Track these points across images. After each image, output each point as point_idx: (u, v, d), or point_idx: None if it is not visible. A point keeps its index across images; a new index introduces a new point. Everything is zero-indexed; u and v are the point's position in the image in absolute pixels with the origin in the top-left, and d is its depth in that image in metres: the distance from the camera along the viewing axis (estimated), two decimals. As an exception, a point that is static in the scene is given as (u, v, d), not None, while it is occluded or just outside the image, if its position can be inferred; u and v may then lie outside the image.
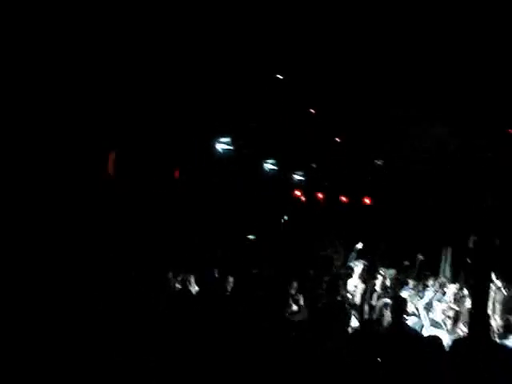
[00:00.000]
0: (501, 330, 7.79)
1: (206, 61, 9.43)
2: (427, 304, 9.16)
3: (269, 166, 13.71)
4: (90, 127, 9.89)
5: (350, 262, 12.15)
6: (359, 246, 12.44)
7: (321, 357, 5.11)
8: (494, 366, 5.86)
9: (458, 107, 8.26)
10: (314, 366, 4.97)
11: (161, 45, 8.97)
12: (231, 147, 11.76)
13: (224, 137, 11.65)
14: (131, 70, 9.29)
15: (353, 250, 12.65)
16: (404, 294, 9.84)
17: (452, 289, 9.52)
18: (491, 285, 11.02)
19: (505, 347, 6.88)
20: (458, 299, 10.23)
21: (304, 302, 8.75)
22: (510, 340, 7.44)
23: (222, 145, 11.76)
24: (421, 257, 14.52)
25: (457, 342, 6.98)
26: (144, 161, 11.93)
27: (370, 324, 8.21)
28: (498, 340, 7.54)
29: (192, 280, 10.04)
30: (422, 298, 9.73)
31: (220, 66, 9.59)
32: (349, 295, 10.13)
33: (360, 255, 12.34)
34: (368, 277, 10.80)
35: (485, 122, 8.37)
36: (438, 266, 14.55)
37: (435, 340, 5.77)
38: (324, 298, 9.81)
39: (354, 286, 10.34)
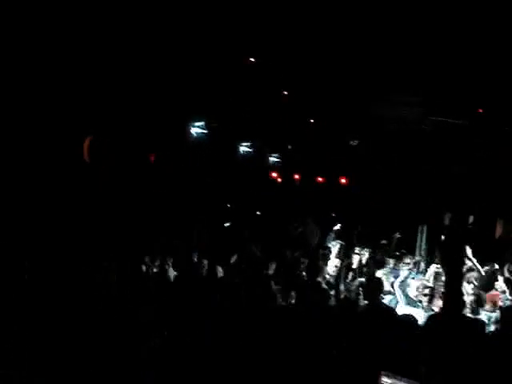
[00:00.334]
0: (473, 306, 7.91)
1: (178, 44, 9.35)
2: (402, 282, 9.27)
3: (244, 148, 13.68)
4: (64, 112, 9.80)
5: (328, 242, 12.24)
6: (337, 227, 12.52)
7: (300, 336, 5.16)
8: (466, 340, 5.97)
9: (431, 88, 8.29)
10: (294, 347, 5.02)
11: (132, 28, 8.88)
12: (205, 131, 11.71)
13: (198, 120, 11.59)
14: (104, 54, 9.20)
15: (331, 231, 12.74)
16: (380, 272, 9.95)
17: (432, 268, 9.59)
18: (467, 262, 11.20)
19: (476, 321, 7.03)
20: (435, 277, 10.36)
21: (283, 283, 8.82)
22: (481, 315, 7.61)
23: (196, 128, 11.69)
24: (397, 235, 14.66)
25: (430, 318, 7.09)
26: (119, 146, 11.85)
27: (347, 304, 8.30)
28: (470, 315, 7.68)
29: (170, 264, 10.08)
30: (397, 277, 9.85)
31: (193, 49, 9.52)
32: (328, 276, 10.21)
33: (337, 236, 12.43)
34: (345, 256, 10.88)
35: (458, 103, 8.43)
36: (414, 244, 14.69)
37: (409, 318, 5.85)
38: (303, 279, 9.92)
39: (335, 266, 10.39)
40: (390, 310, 7.01)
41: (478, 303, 7.88)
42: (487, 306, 8.05)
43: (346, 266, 10.42)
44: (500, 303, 8.27)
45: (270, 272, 10.06)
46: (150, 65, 9.76)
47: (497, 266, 10.47)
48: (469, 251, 10.74)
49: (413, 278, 9.74)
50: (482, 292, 8.49)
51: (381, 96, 9.59)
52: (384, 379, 3.63)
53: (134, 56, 9.44)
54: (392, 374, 3.61)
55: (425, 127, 9.72)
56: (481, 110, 7.78)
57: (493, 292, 8.93)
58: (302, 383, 4.23)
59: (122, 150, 11.85)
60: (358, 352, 4.94)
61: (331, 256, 11.17)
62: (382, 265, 11.30)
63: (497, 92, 7.53)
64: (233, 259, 10.72)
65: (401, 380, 3.60)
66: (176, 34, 9.10)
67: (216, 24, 8.81)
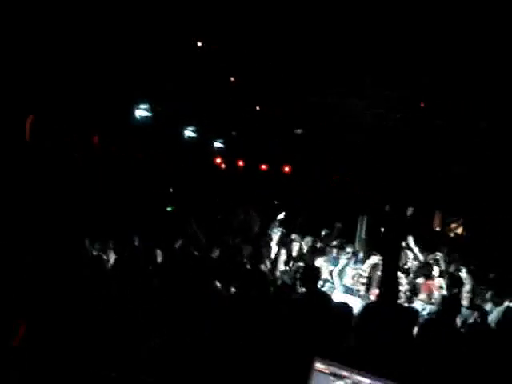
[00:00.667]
0: (408, 294, 8.11)
1: (124, 25, 9.19)
2: (340, 271, 9.42)
3: (189, 133, 13.58)
4: (6, 92, 9.54)
5: (271, 230, 12.29)
6: (282, 215, 12.56)
7: (243, 323, 5.17)
8: (400, 327, 6.11)
9: (374, 80, 8.39)
10: (231, 331, 5.02)
11: (76, 8, 8.68)
12: (150, 114, 11.55)
13: (142, 103, 11.42)
14: (47, 34, 8.97)
15: (274, 219, 12.80)
16: (319, 261, 10.05)
17: (371, 259, 9.74)
18: (408, 252, 11.45)
19: (411, 309, 7.22)
20: (373, 266, 10.55)
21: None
22: (415, 303, 7.82)
23: (140, 111, 11.52)
24: (339, 225, 14.85)
25: (366, 307, 7.23)
26: (62, 126, 11.63)
27: (283, 290, 8.38)
28: (405, 304, 7.87)
29: (110, 247, 9.90)
30: (336, 265, 9.99)
31: (140, 31, 9.37)
32: (268, 263, 10.25)
33: (280, 223, 12.50)
34: (285, 244, 10.96)
35: (399, 95, 8.56)
36: (355, 234, 14.92)
37: (344, 306, 5.95)
38: (245, 266, 9.92)
39: (276, 253, 10.45)
40: (327, 298, 7.11)
41: (413, 292, 8.09)
42: (423, 296, 8.26)
43: (286, 254, 10.48)
44: (436, 294, 8.48)
45: (214, 256, 10.02)
46: (94, 45, 9.56)
47: (438, 256, 10.76)
48: (411, 241, 11.00)
49: (351, 268, 9.88)
50: (417, 281, 8.71)
51: (325, 86, 9.65)
52: (318, 365, 3.66)
53: (78, 36, 9.23)
54: (326, 359, 3.65)
55: (366, 118, 9.85)
56: (422, 104, 7.92)
57: (429, 281, 9.17)
58: (237, 367, 4.24)
59: (65, 131, 11.64)
60: (293, 338, 4.99)
61: (272, 244, 11.24)
62: (322, 253, 11.45)
63: (438, 86, 7.68)
64: (178, 244, 10.64)
65: (334, 365, 3.64)
66: (122, 16, 8.94)
67: (163, 7, 8.69)
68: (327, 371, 3.66)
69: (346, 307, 5.91)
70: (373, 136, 10.64)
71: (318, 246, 11.92)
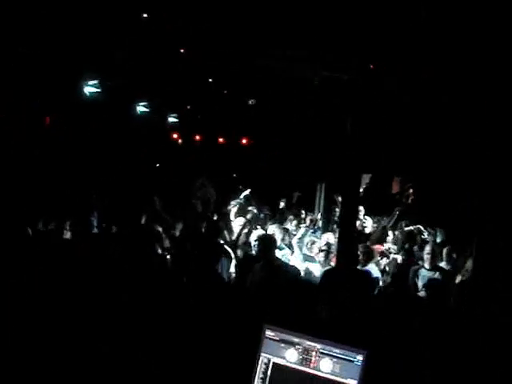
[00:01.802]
0: (364, 259, 8.19)
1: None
2: (300, 239, 9.43)
3: (141, 108, 13.34)
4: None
5: (229, 203, 12.24)
6: (247, 192, 12.45)
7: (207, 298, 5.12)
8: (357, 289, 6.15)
9: (321, 42, 8.30)
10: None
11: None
12: (99, 90, 11.28)
13: (91, 79, 11.14)
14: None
15: (234, 192, 12.75)
16: (271, 228, 10.05)
17: (329, 237, 9.75)
18: (363, 218, 11.55)
19: (365, 272, 7.28)
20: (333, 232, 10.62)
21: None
22: (369, 266, 7.93)
23: (89, 88, 11.24)
24: (297, 193, 14.92)
25: (325, 272, 7.25)
26: (12, 108, 11.33)
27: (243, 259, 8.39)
28: (360, 267, 7.96)
29: (67, 227, 9.71)
30: (295, 234, 10.02)
31: (86, 6, 9.11)
32: (226, 235, 10.19)
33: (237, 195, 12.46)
34: (243, 214, 10.91)
35: (348, 58, 8.49)
36: (313, 202, 14.98)
37: (294, 271, 5.98)
38: (205, 240, 9.86)
39: (238, 225, 10.38)
40: (283, 265, 7.14)
41: (369, 256, 8.17)
42: (375, 259, 8.37)
43: (245, 225, 10.43)
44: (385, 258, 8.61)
45: (177, 233, 9.94)
46: (40, 21, 9.26)
47: (384, 222, 10.88)
48: (361, 211, 11.10)
49: (310, 236, 9.91)
50: (372, 246, 8.80)
51: (271, 51, 9.56)
52: (268, 332, 3.63)
53: (26, 13, 8.93)
54: (275, 326, 3.62)
55: (315, 82, 9.77)
56: (372, 66, 7.87)
57: (379, 246, 9.32)
58: (194, 336, 4.20)
59: (15, 112, 11.37)
60: (243, 305, 4.98)
61: (231, 215, 11.20)
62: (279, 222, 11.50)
63: (387, 48, 7.62)
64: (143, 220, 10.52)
65: (284, 332, 3.61)
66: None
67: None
68: (277, 338, 3.63)
69: (294, 269, 5.95)
70: (326, 101, 10.58)
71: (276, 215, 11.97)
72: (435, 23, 6.93)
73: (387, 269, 8.75)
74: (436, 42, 7.36)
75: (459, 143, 10.30)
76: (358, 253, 8.18)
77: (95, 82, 11.15)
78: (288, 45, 8.83)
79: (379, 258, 8.51)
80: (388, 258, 8.78)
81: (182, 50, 10.90)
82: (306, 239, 9.36)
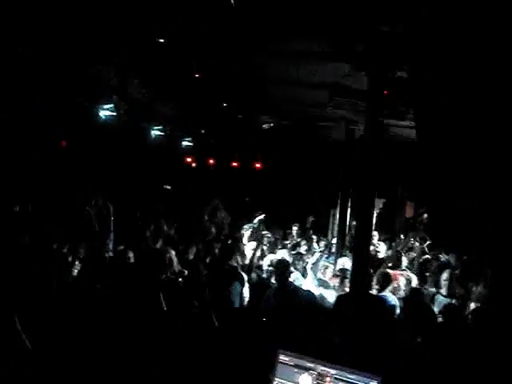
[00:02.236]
0: (380, 283, 8.07)
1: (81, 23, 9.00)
2: (314, 264, 9.38)
3: (156, 132, 13.42)
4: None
5: (241, 227, 12.23)
6: (261, 216, 12.43)
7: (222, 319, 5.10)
8: (373, 316, 6.08)
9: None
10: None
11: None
12: (115, 113, 11.35)
13: (107, 103, 11.22)
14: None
15: (247, 217, 12.74)
16: (280, 252, 10.01)
17: (345, 262, 9.66)
18: (376, 243, 11.48)
19: (379, 298, 7.20)
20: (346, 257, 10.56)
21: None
22: (385, 292, 7.79)
23: (104, 111, 11.32)
24: (311, 218, 14.88)
25: (339, 298, 7.20)
26: (27, 132, 11.44)
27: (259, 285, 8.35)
28: (376, 292, 7.86)
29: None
30: (307, 259, 9.98)
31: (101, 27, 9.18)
32: (239, 259, 10.17)
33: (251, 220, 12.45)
34: (256, 239, 10.90)
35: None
36: (327, 227, 14.96)
37: (310, 297, 5.93)
38: (218, 263, 9.84)
39: (251, 249, 10.36)
40: (297, 290, 7.10)
41: (386, 282, 8.02)
42: (392, 286, 8.21)
43: (258, 249, 10.41)
44: (402, 284, 8.43)
45: (191, 257, 9.92)
46: (51, 41, 9.33)
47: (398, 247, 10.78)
48: (375, 236, 11.02)
49: (324, 261, 9.86)
50: (385, 270, 8.70)
51: (287, 78, 9.59)
52: (282, 357, 3.61)
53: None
54: (290, 352, 3.59)
55: (329, 106, 9.78)
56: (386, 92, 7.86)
57: (396, 271, 9.19)
58: (207, 361, 4.17)
59: (33, 138, 11.47)
60: (257, 330, 4.94)
61: (244, 240, 11.20)
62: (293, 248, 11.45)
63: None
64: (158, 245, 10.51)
65: (298, 357, 3.58)
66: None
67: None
68: (291, 363, 3.60)
69: (309, 294, 5.90)
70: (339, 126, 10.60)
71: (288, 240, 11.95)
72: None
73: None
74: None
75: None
76: (375, 278, 8.09)
77: (110, 105, 11.22)
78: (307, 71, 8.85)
79: (398, 285, 8.31)
80: (410, 283, 8.58)
81: (197, 75, 10.98)
82: (320, 264, 9.30)
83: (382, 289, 7.90)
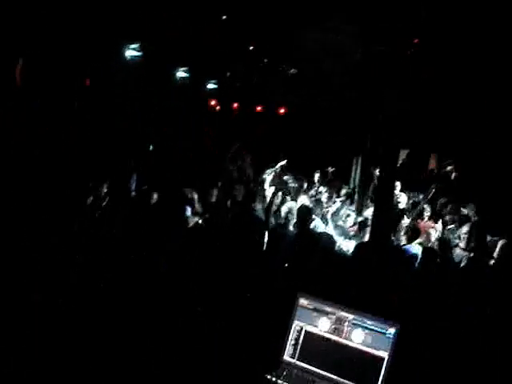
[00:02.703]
0: (409, 235, 8.08)
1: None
2: (335, 213, 9.39)
3: (181, 74, 13.32)
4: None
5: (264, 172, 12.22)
6: (283, 162, 12.37)
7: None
8: (395, 267, 6.12)
9: (367, 17, 8.16)
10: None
11: None
12: (140, 54, 11.27)
13: (133, 43, 11.13)
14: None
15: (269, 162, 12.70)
16: (302, 198, 10.02)
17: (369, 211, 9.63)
18: (400, 194, 11.42)
19: (399, 248, 7.24)
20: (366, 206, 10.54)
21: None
22: (414, 244, 7.80)
23: (130, 51, 11.24)
24: (331, 169, 14.74)
25: (358, 246, 7.23)
26: (53, 68, 11.41)
27: (277, 229, 8.39)
28: (400, 244, 7.88)
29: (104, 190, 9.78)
30: (328, 207, 9.99)
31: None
32: (260, 203, 10.20)
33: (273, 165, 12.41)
34: (278, 184, 10.90)
35: (394, 32, 8.33)
36: (349, 176, 14.88)
37: (328, 238, 5.98)
38: (239, 208, 9.90)
39: (272, 193, 10.38)
40: (316, 237, 7.13)
41: (415, 234, 8.02)
42: (422, 237, 8.18)
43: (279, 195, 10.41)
44: (432, 236, 8.40)
45: (212, 199, 9.96)
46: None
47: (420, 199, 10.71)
48: (397, 186, 10.95)
49: (345, 210, 9.85)
50: (415, 222, 8.68)
51: (316, 24, 9.43)
52: (301, 300, 3.67)
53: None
54: (309, 295, 3.65)
55: (357, 55, 9.61)
56: (417, 40, 7.72)
57: (425, 222, 9.15)
58: (225, 301, 4.25)
59: (56, 74, 11.44)
60: (279, 275, 5.02)
61: (266, 184, 11.22)
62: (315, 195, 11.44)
63: (433, 21, 7.46)
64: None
65: (317, 301, 3.64)
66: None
67: None
68: (311, 307, 3.67)
69: (327, 236, 5.95)
70: (366, 74, 10.42)
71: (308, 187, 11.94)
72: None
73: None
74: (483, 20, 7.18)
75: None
76: (403, 230, 8.10)
77: (136, 45, 11.14)
78: (333, 17, 8.70)
79: (424, 236, 8.26)
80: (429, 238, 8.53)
81: (224, 17, 10.85)
82: (342, 212, 9.30)
83: (408, 241, 7.91)
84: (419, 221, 9.41)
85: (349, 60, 10.40)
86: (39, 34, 10.10)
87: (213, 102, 16.52)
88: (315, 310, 3.64)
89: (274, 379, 3.48)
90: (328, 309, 3.63)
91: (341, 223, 9.22)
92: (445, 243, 8.07)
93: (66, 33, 10.42)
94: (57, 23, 10.05)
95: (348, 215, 9.14)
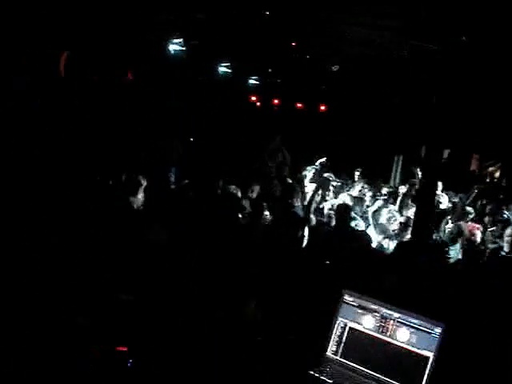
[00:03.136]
0: (453, 235, 7.99)
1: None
2: (376, 212, 9.31)
3: (223, 69, 13.34)
4: (41, 27, 9.45)
5: (304, 169, 12.17)
6: (323, 159, 12.30)
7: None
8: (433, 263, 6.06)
9: (412, 12, 8.04)
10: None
11: None
12: (183, 48, 11.31)
13: (176, 37, 11.19)
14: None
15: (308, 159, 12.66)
16: (342, 196, 9.96)
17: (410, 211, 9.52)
18: (440, 194, 11.28)
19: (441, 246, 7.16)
20: (407, 206, 10.42)
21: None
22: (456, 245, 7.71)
23: (174, 46, 11.30)
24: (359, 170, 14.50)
25: (400, 244, 7.19)
26: (96, 61, 11.53)
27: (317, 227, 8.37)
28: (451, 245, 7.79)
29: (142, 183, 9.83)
30: (371, 205, 9.91)
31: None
32: (299, 200, 10.16)
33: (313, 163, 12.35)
34: (319, 181, 10.84)
35: (440, 29, 8.21)
36: (390, 174, 14.77)
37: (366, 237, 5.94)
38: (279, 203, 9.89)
39: (312, 191, 10.34)
40: (356, 235, 7.11)
41: (459, 234, 7.92)
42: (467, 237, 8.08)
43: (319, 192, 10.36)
44: (478, 238, 8.27)
45: (254, 195, 9.97)
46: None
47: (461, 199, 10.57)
48: (439, 186, 10.81)
49: (386, 208, 9.75)
50: (460, 223, 8.55)
51: (359, 19, 9.33)
52: (346, 297, 3.65)
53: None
54: (354, 292, 3.64)
55: (403, 53, 9.48)
56: (464, 38, 7.59)
57: (471, 224, 9.02)
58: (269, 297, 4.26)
59: (100, 66, 11.55)
60: (325, 272, 5.00)
61: (306, 181, 11.19)
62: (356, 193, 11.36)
63: (481, 18, 7.31)
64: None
65: (362, 298, 3.62)
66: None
67: None
68: (355, 304, 3.64)
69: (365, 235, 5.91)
70: (410, 71, 10.29)
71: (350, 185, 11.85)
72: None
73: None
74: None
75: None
76: (448, 230, 8.01)
77: (180, 40, 11.19)
78: (379, 13, 8.61)
79: (469, 236, 8.14)
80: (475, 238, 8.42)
81: (267, 13, 10.80)
82: (384, 211, 9.20)
83: (452, 241, 7.82)
84: (463, 222, 9.28)
85: (394, 58, 10.27)
86: (83, 28, 10.22)
87: (253, 98, 16.54)
88: (360, 306, 3.62)
89: (317, 375, 3.46)
90: (373, 306, 3.60)
91: (382, 222, 9.14)
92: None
93: (109, 27, 10.53)
94: (101, 17, 10.16)
95: (393, 217, 9.00)
